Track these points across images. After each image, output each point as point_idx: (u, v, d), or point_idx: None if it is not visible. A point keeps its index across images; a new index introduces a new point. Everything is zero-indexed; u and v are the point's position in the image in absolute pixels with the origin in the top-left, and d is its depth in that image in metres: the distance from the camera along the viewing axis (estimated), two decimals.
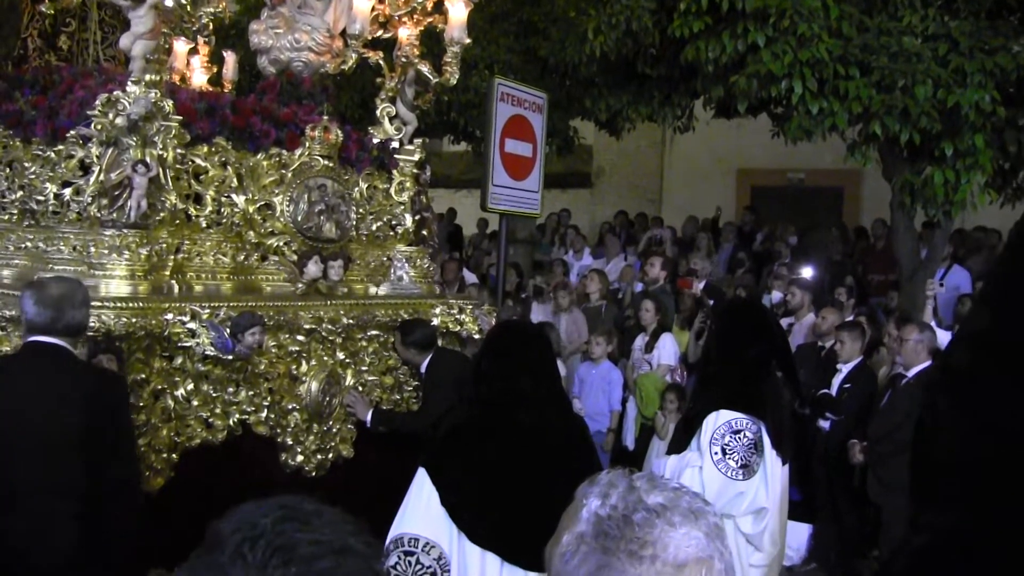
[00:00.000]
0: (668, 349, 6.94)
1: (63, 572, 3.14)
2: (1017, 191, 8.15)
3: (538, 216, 8.64)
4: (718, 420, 3.66)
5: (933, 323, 6.43)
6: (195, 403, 4.17)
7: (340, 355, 4.79)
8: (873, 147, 7.33)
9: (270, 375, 4.47)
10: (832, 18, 6.82)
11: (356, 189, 5.03)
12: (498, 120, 7.01)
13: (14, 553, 3.09)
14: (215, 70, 6.15)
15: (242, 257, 4.56)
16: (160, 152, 4.07)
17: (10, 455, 3.11)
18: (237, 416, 4.32)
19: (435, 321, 5.08)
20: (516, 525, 2.82)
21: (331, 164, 4.80)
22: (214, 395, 4.24)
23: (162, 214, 4.15)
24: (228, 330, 4.02)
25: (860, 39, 6.87)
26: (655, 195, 15.95)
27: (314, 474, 4.67)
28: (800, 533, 6.05)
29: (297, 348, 4.57)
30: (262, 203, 4.58)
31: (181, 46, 5.62)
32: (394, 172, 5.24)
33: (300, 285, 4.64)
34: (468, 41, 5.38)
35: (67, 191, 4.29)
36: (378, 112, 5.41)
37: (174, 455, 4.07)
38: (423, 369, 4.93)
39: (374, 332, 4.95)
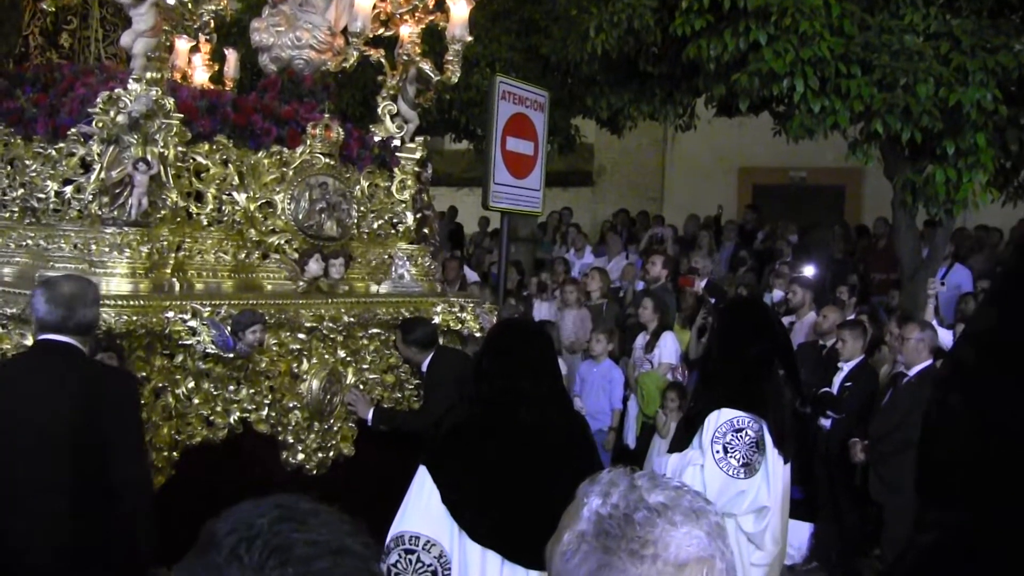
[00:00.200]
0: (669, 348, 6.94)
1: (68, 572, 3.14)
2: (1019, 190, 8.14)
3: (539, 214, 8.64)
4: (720, 418, 3.66)
5: (935, 322, 6.42)
6: (196, 401, 4.17)
7: (341, 353, 4.79)
8: (875, 145, 7.32)
9: (271, 373, 4.47)
10: (834, 16, 6.81)
11: (357, 187, 5.03)
12: (499, 118, 7.01)
13: (15, 553, 3.09)
14: (216, 68, 6.15)
15: (243, 255, 4.56)
16: (161, 150, 4.07)
17: (19, 453, 3.11)
18: (238, 414, 4.32)
19: (436, 319, 5.08)
20: (517, 523, 2.82)
21: (332, 162, 4.79)
22: (215, 393, 4.24)
23: (163, 212, 4.15)
24: (229, 328, 4.02)
25: (862, 37, 6.86)
26: (656, 193, 15.94)
27: (315, 472, 4.67)
28: (801, 532, 6.06)
29: (298, 346, 4.57)
30: (263, 201, 4.58)
31: (183, 44, 5.62)
32: (395, 170, 5.24)
33: (301, 283, 4.64)
34: (470, 39, 5.38)
35: (68, 189, 4.29)
36: (379, 110, 5.40)
37: (175, 453, 4.07)
38: (424, 368, 4.93)
39: (375, 330, 4.94)
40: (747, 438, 3.63)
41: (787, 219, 11.61)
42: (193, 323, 3.92)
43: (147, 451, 3.48)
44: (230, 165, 4.48)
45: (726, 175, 15.01)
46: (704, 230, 11.67)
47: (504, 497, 2.91)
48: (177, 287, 4.17)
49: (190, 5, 4.46)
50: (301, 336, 4.57)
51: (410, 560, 2.81)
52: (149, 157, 3.99)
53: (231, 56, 6.18)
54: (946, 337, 6.19)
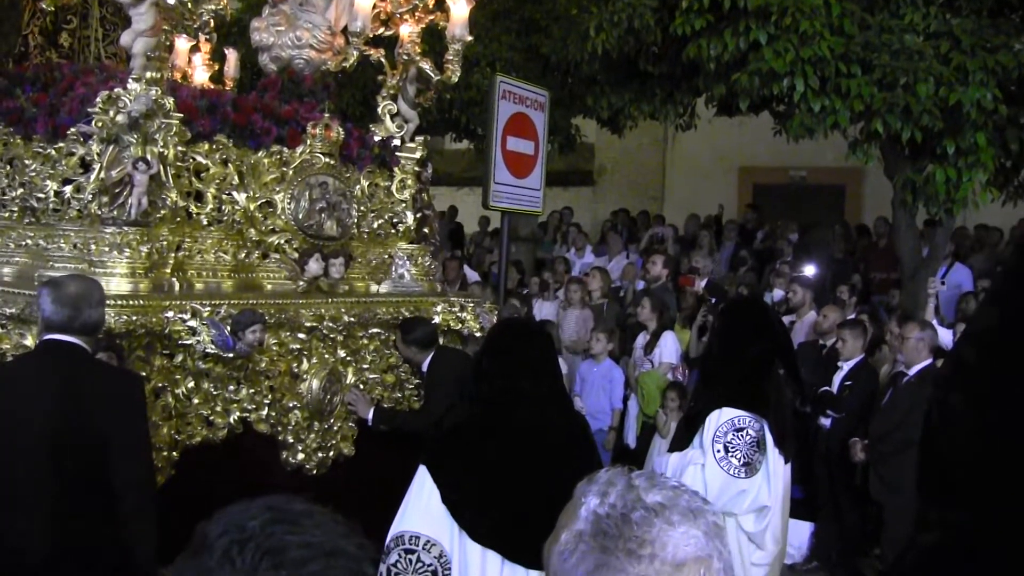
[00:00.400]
0: (669, 347, 6.94)
1: (69, 572, 3.13)
2: (1018, 189, 8.14)
3: (540, 214, 8.64)
4: (721, 418, 3.65)
5: (935, 321, 6.42)
6: (196, 401, 4.17)
7: (341, 353, 4.79)
8: (875, 145, 7.32)
9: (271, 373, 4.47)
10: (834, 16, 6.81)
11: (357, 187, 5.03)
12: (500, 118, 7.01)
13: (16, 553, 3.09)
14: (217, 67, 6.15)
15: (243, 255, 4.56)
16: (161, 149, 4.06)
17: (22, 452, 3.10)
18: (238, 414, 4.32)
19: (436, 319, 5.08)
20: (517, 523, 2.82)
21: (332, 162, 4.79)
22: (215, 393, 4.24)
23: (163, 212, 4.14)
24: (229, 328, 4.02)
25: (862, 37, 6.86)
26: (657, 193, 15.94)
27: (315, 472, 4.66)
28: (801, 531, 6.06)
29: (298, 346, 4.56)
30: (263, 201, 4.58)
31: (183, 43, 5.62)
32: (395, 170, 5.24)
33: (301, 283, 4.64)
34: (470, 38, 5.38)
35: (68, 188, 4.28)
36: (379, 110, 5.40)
37: (175, 453, 4.07)
38: (424, 367, 4.92)
39: (375, 330, 4.94)
40: (748, 437, 3.63)
41: (787, 218, 11.60)
42: (193, 323, 3.92)
43: (150, 452, 3.47)
44: (230, 165, 4.48)
45: (726, 175, 15.00)
46: (704, 230, 11.66)
47: (504, 497, 2.91)
48: (177, 287, 4.17)
49: (190, 5, 4.46)
50: (301, 336, 4.57)
51: (410, 560, 2.80)
52: (149, 157, 3.99)
53: (231, 56, 6.18)
54: (946, 336, 6.19)
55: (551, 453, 2.97)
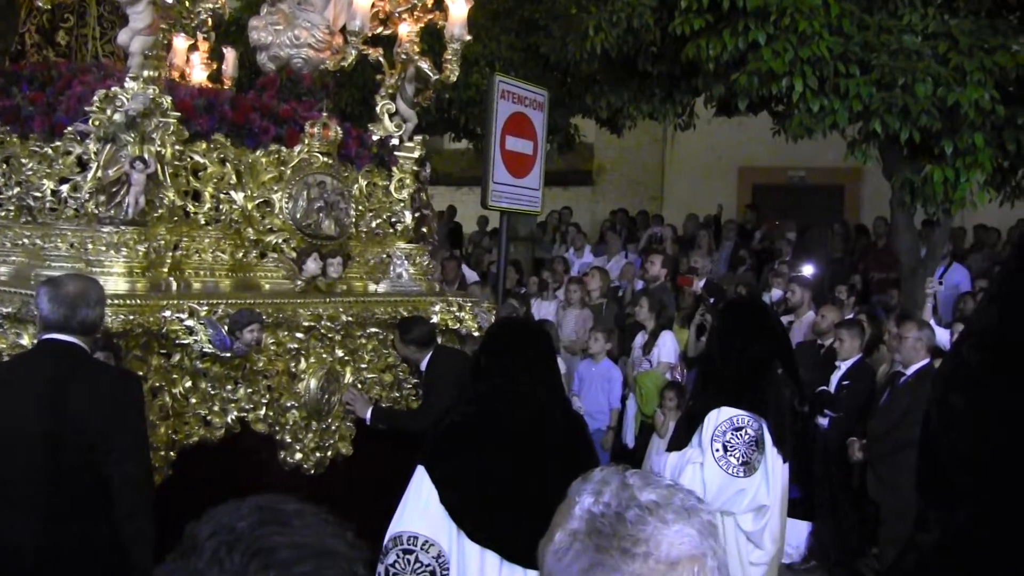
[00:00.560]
0: (668, 347, 6.94)
1: (68, 572, 3.13)
2: (1016, 189, 8.14)
3: (539, 214, 8.62)
4: (719, 417, 3.65)
5: (932, 321, 6.42)
6: (193, 401, 4.16)
7: (339, 352, 4.78)
8: (873, 145, 7.32)
9: (269, 373, 4.46)
10: (832, 16, 6.81)
11: (355, 186, 5.02)
12: (499, 117, 7.00)
13: (16, 552, 3.08)
14: (215, 66, 6.13)
15: (241, 254, 4.55)
16: (158, 148, 4.06)
17: (20, 452, 3.10)
18: (235, 414, 4.31)
19: (434, 319, 5.07)
20: (515, 523, 2.81)
21: (330, 161, 4.78)
22: (212, 393, 4.23)
23: (160, 211, 4.14)
24: (226, 327, 4.01)
25: (860, 37, 6.87)
26: (656, 193, 15.94)
27: (313, 472, 4.66)
28: (799, 531, 6.06)
29: (296, 345, 4.56)
30: (261, 200, 4.57)
31: (180, 42, 5.60)
32: (394, 169, 5.24)
33: (299, 282, 4.63)
34: (469, 38, 5.37)
35: (64, 187, 4.27)
36: (378, 109, 5.39)
37: (172, 453, 4.06)
38: (423, 367, 4.92)
39: (373, 329, 4.94)
40: (747, 437, 3.63)
41: (787, 218, 11.60)
42: (190, 322, 3.91)
43: (148, 452, 3.46)
44: (228, 164, 4.47)
45: (725, 174, 15.01)
46: (703, 229, 11.66)
47: (502, 497, 2.90)
48: (174, 286, 4.16)
49: (188, 3, 4.47)
50: (299, 335, 4.56)
51: (408, 560, 2.80)
52: (146, 156, 3.98)
53: (229, 54, 6.16)
54: (944, 336, 6.19)
55: (549, 453, 2.97)
